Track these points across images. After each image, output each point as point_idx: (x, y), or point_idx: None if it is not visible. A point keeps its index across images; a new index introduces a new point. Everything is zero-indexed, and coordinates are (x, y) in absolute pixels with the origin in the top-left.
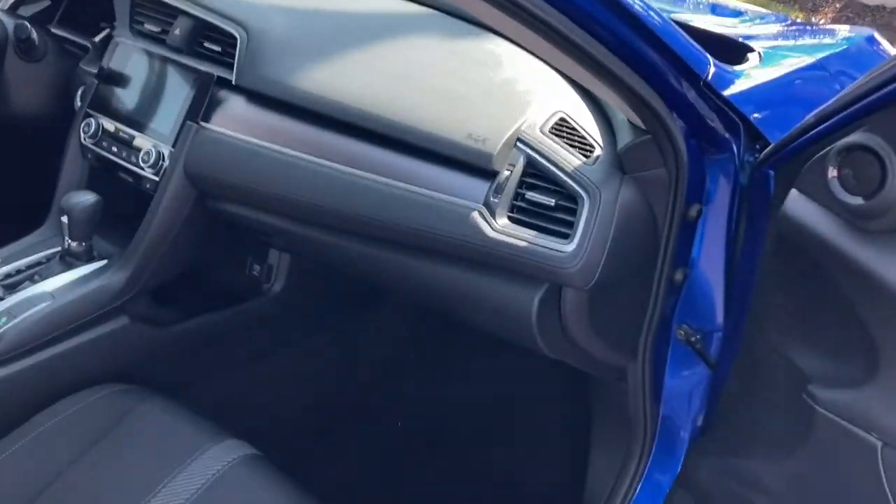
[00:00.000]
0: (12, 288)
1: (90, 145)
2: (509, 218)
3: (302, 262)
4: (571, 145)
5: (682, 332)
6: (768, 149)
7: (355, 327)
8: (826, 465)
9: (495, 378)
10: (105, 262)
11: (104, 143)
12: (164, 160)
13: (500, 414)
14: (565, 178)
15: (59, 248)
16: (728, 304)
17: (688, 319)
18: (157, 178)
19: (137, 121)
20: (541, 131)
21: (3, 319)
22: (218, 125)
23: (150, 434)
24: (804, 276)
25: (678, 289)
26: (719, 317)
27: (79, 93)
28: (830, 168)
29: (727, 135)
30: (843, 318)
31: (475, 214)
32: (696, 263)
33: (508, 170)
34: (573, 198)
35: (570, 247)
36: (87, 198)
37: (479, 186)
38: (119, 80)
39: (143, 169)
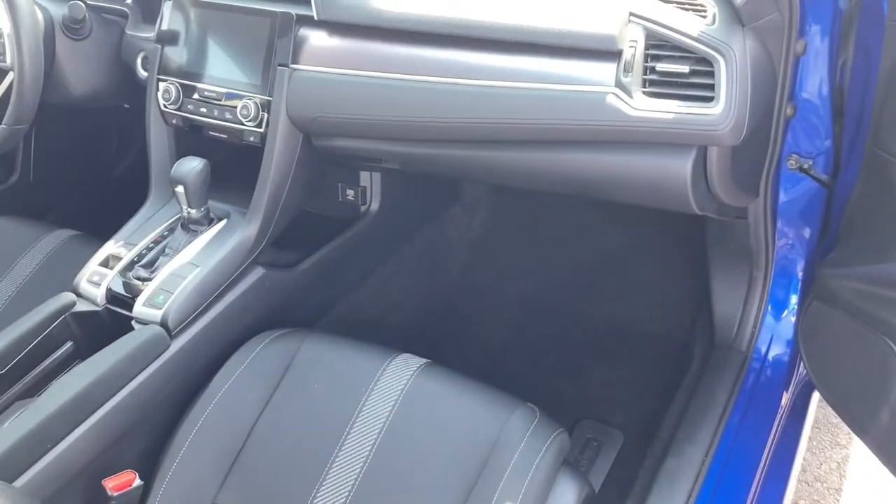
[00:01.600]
0: (150, 266)
1: (173, 111)
2: (645, 93)
3: (392, 177)
4: (684, 9)
5: (794, 161)
6: None
7: (443, 223)
8: None
9: (595, 235)
10: (225, 221)
11: (189, 107)
12: (263, 111)
13: (607, 267)
14: (693, 42)
15: (176, 217)
16: (841, 127)
17: (796, 149)
18: (261, 130)
19: (219, 76)
20: (650, 1)
21: (162, 297)
22: (309, 64)
23: (326, 366)
24: None
25: (789, 123)
26: (827, 140)
27: (138, 61)
28: None
29: None
30: None
31: (611, 97)
32: (802, 95)
33: (632, 46)
34: (704, 60)
35: (717, 109)
36: (196, 164)
37: (607, 69)
38: (183, 39)
39: (243, 124)
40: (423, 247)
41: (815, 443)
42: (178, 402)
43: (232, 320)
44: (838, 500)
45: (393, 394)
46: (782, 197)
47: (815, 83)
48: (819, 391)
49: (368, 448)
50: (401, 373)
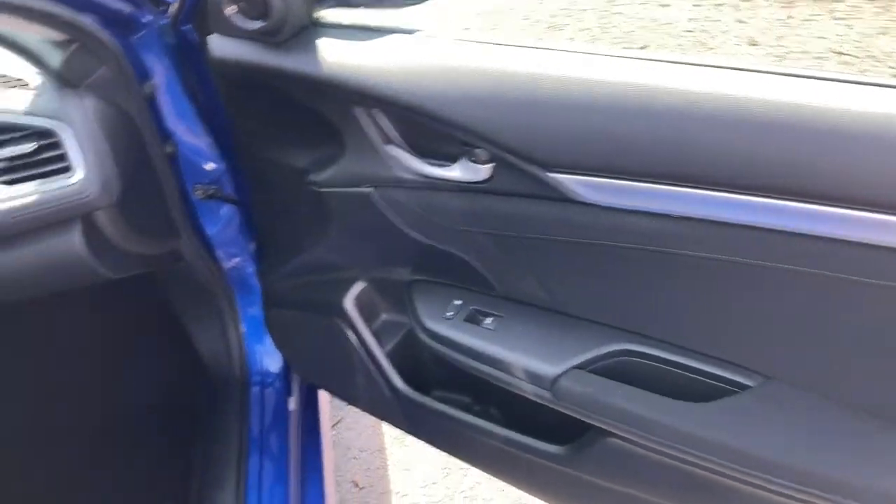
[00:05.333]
0: None
1: None
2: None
3: None
4: (9, 87)
5: (200, 191)
6: (172, 8)
7: None
8: (336, 220)
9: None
10: None
11: None
12: None
13: (106, 357)
14: (24, 118)
15: None
16: (221, 147)
17: (197, 179)
18: None
19: None
20: None
21: None
22: None
23: None
24: (252, 103)
25: (176, 159)
26: (219, 162)
27: None
28: (227, 5)
29: (133, 10)
30: (307, 116)
31: None
32: (177, 129)
33: None
34: (47, 132)
35: (76, 176)
36: None
37: None
38: None
39: None
40: None
41: (351, 419)
42: None
43: None
44: (376, 454)
45: None
46: (210, 226)
47: (182, 115)
48: (312, 383)
49: None
50: None
